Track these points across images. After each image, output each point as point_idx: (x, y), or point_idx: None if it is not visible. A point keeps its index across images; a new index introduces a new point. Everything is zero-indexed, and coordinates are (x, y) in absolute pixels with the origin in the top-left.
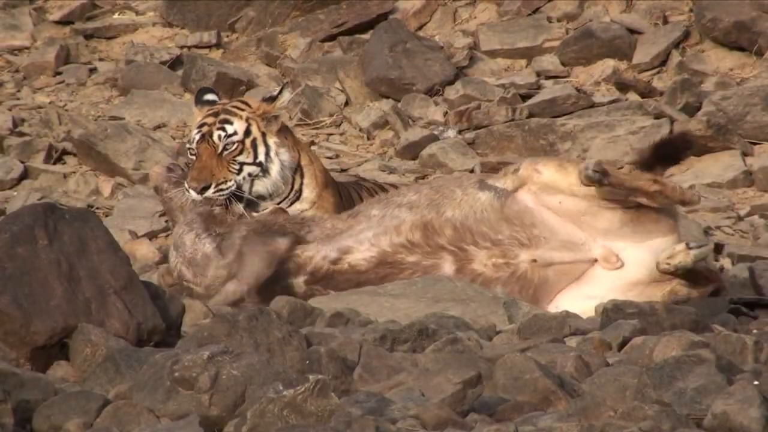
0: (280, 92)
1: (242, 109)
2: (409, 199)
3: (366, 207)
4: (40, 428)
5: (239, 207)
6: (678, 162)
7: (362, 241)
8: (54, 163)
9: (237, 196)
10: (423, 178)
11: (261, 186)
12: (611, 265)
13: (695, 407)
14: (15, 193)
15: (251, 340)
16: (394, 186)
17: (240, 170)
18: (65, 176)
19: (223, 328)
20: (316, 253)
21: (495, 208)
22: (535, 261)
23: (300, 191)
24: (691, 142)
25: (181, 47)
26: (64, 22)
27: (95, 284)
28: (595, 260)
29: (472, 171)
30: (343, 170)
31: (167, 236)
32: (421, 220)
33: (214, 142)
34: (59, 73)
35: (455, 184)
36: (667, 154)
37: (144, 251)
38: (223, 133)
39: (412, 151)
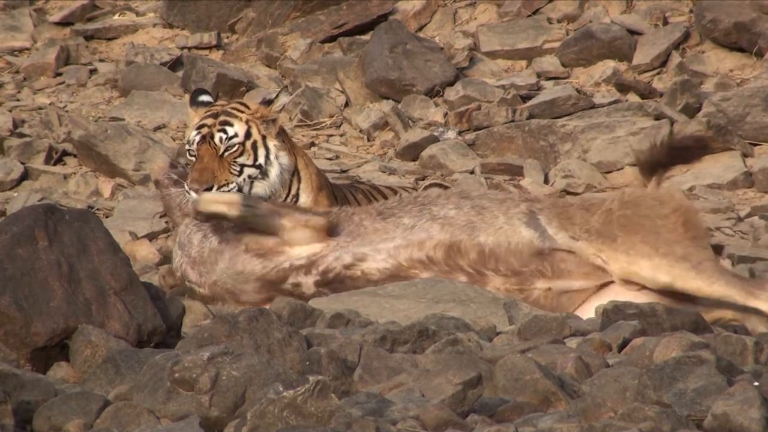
0: (277, 96)
1: (242, 111)
2: (446, 213)
3: (399, 209)
4: (40, 429)
5: None
6: (687, 163)
7: (380, 250)
8: (54, 164)
9: None
10: (423, 179)
11: (260, 188)
12: (629, 288)
13: (695, 408)
14: (15, 194)
15: (251, 341)
16: (391, 189)
17: (240, 172)
18: (65, 177)
19: (224, 329)
20: (330, 253)
21: (533, 248)
22: (549, 289)
23: (297, 196)
24: (708, 147)
25: (182, 48)
26: (64, 23)
27: (95, 285)
28: (612, 282)
29: (472, 172)
30: (343, 171)
31: (167, 237)
32: (450, 240)
33: (215, 143)
34: (59, 74)
35: (501, 210)
36: (679, 155)
37: (144, 252)
38: (224, 135)
39: (412, 152)
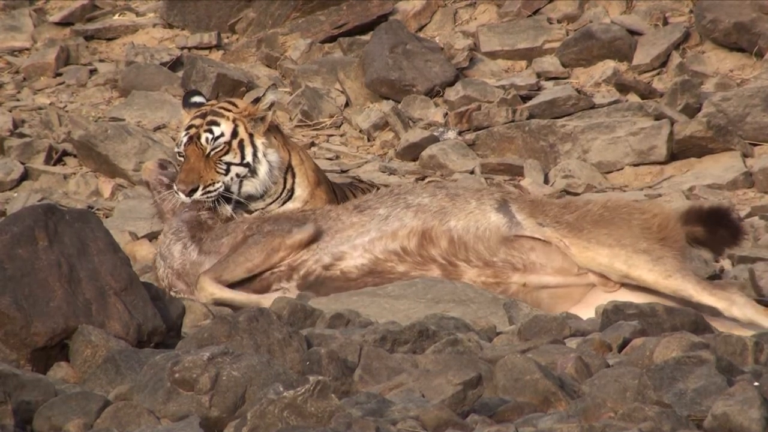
0: (264, 94)
1: (229, 110)
2: (420, 201)
3: (375, 201)
4: (40, 429)
5: (227, 209)
6: (715, 232)
7: (357, 247)
8: (54, 164)
9: (225, 197)
10: (423, 179)
11: (250, 186)
12: (609, 289)
13: (695, 408)
14: (15, 194)
15: (251, 342)
16: None
17: (227, 171)
18: (66, 177)
19: (224, 329)
20: (311, 256)
21: (500, 234)
22: (524, 285)
23: (292, 190)
24: (736, 242)
25: (182, 48)
26: (64, 23)
27: (95, 285)
28: (593, 285)
29: (472, 172)
30: (343, 171)
31: None
32: (422, 226)
33: (201, 144)
34: (59, 75)
35: (474, 196)
36: (718, 220)
37: (144, 252)
38: (210, 135)
39: (412, 152)
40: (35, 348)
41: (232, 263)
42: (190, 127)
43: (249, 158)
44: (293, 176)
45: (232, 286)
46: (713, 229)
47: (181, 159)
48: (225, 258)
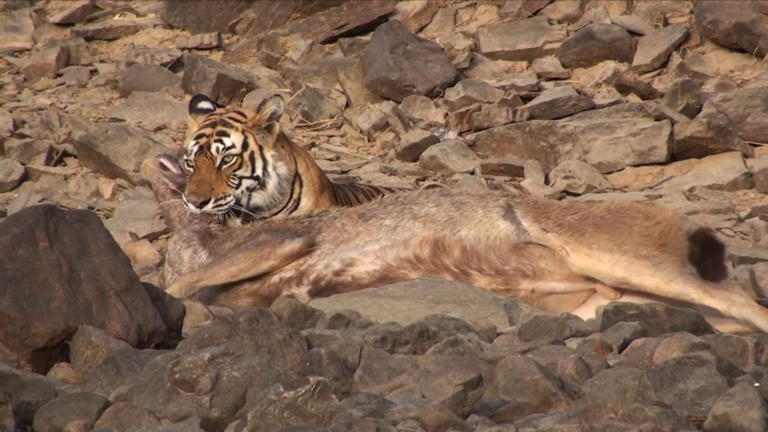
0: (264, 103)
1: (238, 121)
2: (427, 211)
3: (380, 211)
4: (40, 430)
5: (237, 222)
6: (704, 257)
7: (367, 253)
8: (55, 165)
9: (235, 210)
10: (423, 179)
11: (259, 199)
12: (610, 297)
13: (696, 409)
14: (16, 195)
15: (252, 342)
16: (390, 190)
17: (239, 184)
18: (66, 178)
19: (224, 329)
20: (319, 261)
21: (509, 242)
22: (533, 291)
23: (298, 200)
24: (720, 273)
25: (182, 49)
26: (64, 23)
27: (96, 286)
28: (594, 290)
29: (472, 173)
30: (343, 172)
31: (168, 238)
32: (434, 236)
33: (212, 154)
34: (60, 75)
35: (480, 204)
36: (705, 248)
37: (145, 253)
38: (221, 146)
39: (412, 152)
40: (35, 348)
41: (216, 266)
42: (200, 136)
43: (259, 171)
44: (300, 185)
45: (227, 288)
46: (705, 255)
47: (191, 169)
48: (213, 261)
